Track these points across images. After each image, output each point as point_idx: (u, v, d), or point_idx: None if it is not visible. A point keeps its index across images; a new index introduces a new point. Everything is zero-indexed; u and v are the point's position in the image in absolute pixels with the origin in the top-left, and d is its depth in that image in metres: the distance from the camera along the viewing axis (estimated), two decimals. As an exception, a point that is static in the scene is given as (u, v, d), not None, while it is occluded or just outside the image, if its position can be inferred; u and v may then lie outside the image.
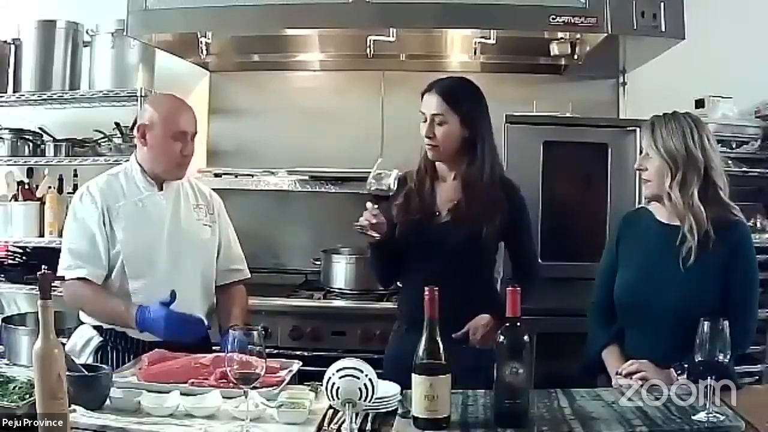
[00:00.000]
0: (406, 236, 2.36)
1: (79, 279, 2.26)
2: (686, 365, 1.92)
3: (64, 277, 2.23)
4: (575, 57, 3.24)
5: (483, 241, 2.28)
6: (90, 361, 2.24)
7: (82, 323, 2.37)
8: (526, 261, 2.43)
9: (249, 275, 2.58)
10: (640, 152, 2.22)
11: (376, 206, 2.23)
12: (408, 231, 2.35)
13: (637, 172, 2.22)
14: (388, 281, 2.58)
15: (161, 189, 2.39)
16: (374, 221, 2.22)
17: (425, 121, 2.32)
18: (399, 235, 2.37)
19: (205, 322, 2.30)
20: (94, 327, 2.32)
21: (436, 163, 2.38)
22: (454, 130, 2.30)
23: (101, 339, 2.30)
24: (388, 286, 2.73)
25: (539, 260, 2.47)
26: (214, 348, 2.32)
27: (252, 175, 3.52)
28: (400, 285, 2.53)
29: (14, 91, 3.62)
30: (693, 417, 1.67)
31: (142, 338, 2.27)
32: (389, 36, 3.07)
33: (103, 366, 1.89)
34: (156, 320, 2.15)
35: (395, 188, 2.26)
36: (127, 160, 2.46)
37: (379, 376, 1.64)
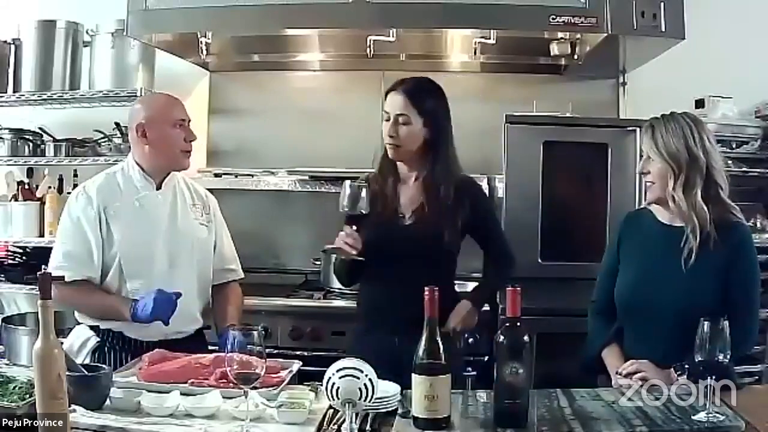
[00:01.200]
0: (368, 238, 2.31)
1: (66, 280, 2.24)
2: (686, 365, 1.92)
3: (63, 277, 2.22)
4: (575, 57, 3.24)
5: (445, 244, 2.29)
6: (87, 361, 2.23)
7: (79, 323, 2.37)
8: (496, 246, 2.43)
9: (242, 275, 2.58)
10: (641, 153, 2.21)
11: (353, 228, 2.21)
12: (370, 233, 2.31)
13: (641, 176, 2.22)
14: (350, 284, 2.55)
15: (159, 188, 2.39)
16: (350, 241, 2.20)
17: (388, 120, 2.32)
18: (365, 236, 2.36)
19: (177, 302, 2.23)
20: (91, 327, 2.32)
21: (397, 163, 2.38)
22: (416, 130, 2.30)
23: (98, 339, 2.29)
24: (348, 286, 2.69)
25: (511, 250, 2.46)
26: (210, 347, 2.33)
27: (252, 175, 3.52)
28: (359, 285, 2.51)
29: (14, 91, 3.62)
30: (693, 417, 1.67)
31: (139, 338, 2.27)
32: (389, 36, 3.07)
33: (103, 366, 1.89)
34: (147, 304, 2.15)
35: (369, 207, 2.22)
36: (126, 161, 2.47)
37: None
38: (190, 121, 2.40)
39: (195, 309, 2.40)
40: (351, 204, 2.20)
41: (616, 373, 2.08)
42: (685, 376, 1.91)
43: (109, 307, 2.27)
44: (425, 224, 2.30)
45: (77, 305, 2.35)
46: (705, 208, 2.06)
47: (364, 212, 2.20)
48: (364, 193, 2.20)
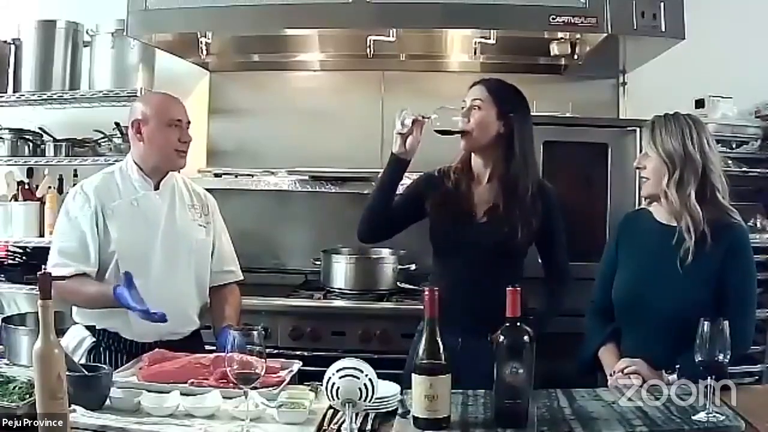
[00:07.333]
0: (441, 235, 2.36)
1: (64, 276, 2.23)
2: (677, 365, 1.93)
3: (64, 276, 2.22)
4: (575, 57, 3.23)
5: (517, 244, 2.28)
6: (83, 362, 2.22)
7: (75, 323, 2.36)
8: (554, 258, 2.40)
9: (242, 277, 2.57)
10: (641, 152, 2.22)
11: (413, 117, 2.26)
12: (443, 230, 2.35)
13: (637, 170, 2.23)
14: (371, 232, 2.44)
15: (157, 188, 2.39)
16: (413, 120, 2.24)
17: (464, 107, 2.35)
18: (434, 233, 2.37)
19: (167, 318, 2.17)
20: (87, 327, 2.30)
21: (472, 161, 2.38)
22: (488, 119, 2.30)
23: (94, 340, 2.28)
24: (366, 239, 2.52)
25: (568, 267, 2.41)
26: (207, 347, 2.33)
27: (252, 175, 3.52)
28: (429, 283, 2.50)
29: (14, 91, 3.62)
30: (693, 417, 1.68)
31: (135, 339, 2.27)
32: (389, 36, 3.07)
33: (103, 366, 1.88)
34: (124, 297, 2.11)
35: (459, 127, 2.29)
36: (126, 161, 2.46)
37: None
38: (189, 122, 2.39)
39: (192, 310, 2.39)
40: (440, 118, 2.28)
41: (611, 373, 2.09)
42: (676, 375, 1.93)
43: (97, 296, 2.23)
44: (499, 223, 2.29)
45: (70, 297, 2.30)
46: (698, 207, 2.07)
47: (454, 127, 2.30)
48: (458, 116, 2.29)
